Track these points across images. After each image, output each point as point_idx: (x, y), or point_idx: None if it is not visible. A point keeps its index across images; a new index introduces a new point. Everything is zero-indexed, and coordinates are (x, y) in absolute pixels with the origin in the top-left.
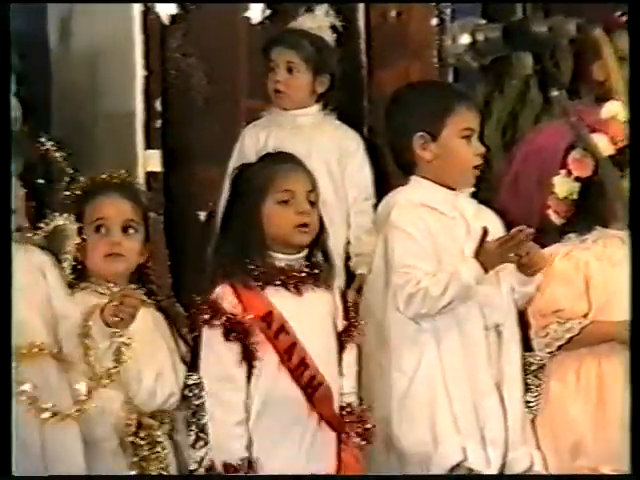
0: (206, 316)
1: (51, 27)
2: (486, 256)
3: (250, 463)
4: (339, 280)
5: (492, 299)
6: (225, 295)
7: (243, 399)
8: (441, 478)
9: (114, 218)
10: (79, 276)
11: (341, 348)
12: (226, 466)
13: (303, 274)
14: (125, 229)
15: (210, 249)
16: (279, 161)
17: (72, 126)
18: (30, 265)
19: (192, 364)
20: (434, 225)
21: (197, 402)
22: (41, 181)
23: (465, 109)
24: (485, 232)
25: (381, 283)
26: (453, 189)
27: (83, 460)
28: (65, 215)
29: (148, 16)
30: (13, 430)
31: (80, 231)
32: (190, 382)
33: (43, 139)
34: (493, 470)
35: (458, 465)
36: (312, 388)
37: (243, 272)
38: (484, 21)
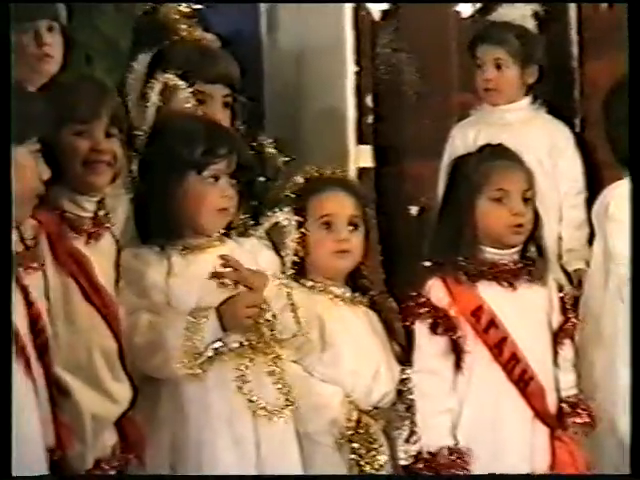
0: (415, 309)
1: (263, 27)
2: None
3: (457, 451)
4: (555, 275)
5: None
6: (435, 289)
7: (447, 390)
8: (441, 478)
9: (340, 214)
10: (298, 272)
11: (557, 343)
12: (433, 455)
13: (517, 269)
14: (350, 225)
15: (425, 242)
16: (496, 157)
17: (284, 123)
18: (246, 257)
19: (405, 359)
20: None
21: (411, 397)
22: (260, 178)
23: None
24: None
25: (601, 277)
26: None
27: (298, 455)
28: (285, 210)
29: (359, 12)
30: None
31: (300, 226)
32: (404, 377)
33: (262, 137)
34: None
35: None
36: (524, 382)
37: (455, 266)
38: None
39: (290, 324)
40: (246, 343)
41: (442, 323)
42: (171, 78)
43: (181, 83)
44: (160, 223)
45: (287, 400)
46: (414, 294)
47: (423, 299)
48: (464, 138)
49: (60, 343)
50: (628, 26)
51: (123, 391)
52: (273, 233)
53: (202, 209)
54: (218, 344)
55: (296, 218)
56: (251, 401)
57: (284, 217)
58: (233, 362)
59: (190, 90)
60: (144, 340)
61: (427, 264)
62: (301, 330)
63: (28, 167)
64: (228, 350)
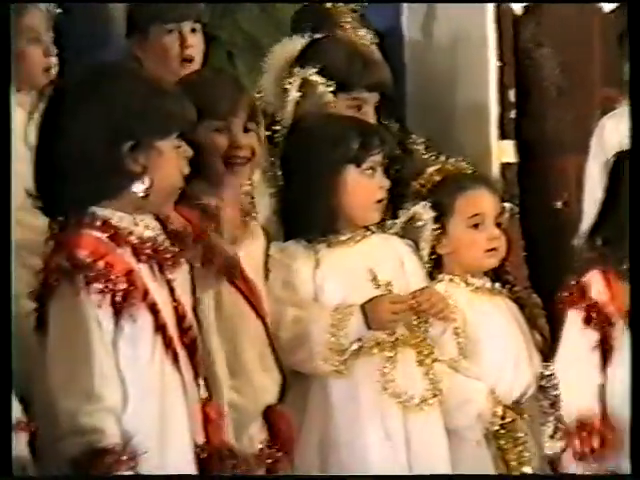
0: (571, 298)
1: (408, 20)
2: None
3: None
4: None
5: None
6: (595, 281)
7: (597, 383)
8: (444, 478)
9: (489, 212)
10: (436, 266)
11: None
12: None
13: None
14: (496, 223)
15: (581, 236)
16: None
17: (426, 119)
18: (392, 254)
19: (549, 355)
20: None
21: (555, 393)
22: (400, 172)
23: None
24: None
25: None
26: None
27: (447, 449)
28: (422, 204)
29: (501, 7)
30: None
31: (437, 221)
32: (547, 373)
33: (413, 134)
34: None
35: None
36: None
37: (615, 260)
38: None
39: (451, 348)
40: (392, 339)
41: (597, 316)
42: (310, 74)
43: (321, 80)
44: (311, 218)
45: (435, 390)
46: (573, 282)
47: (581, 289)
48: (615, 130)
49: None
50: (628, 26)
51: (271, 382)
52: (410, 227)
53: (361, 201)
54: (362, 341)
55: (432, 213)
56: (398, 394)
57: (421, 211)
58: (381, 355)
59: (331, 89)
60: (289, 334)
61: (587, 256)
62: (461, 357)
63: (171, 161)
64: (375, 344)
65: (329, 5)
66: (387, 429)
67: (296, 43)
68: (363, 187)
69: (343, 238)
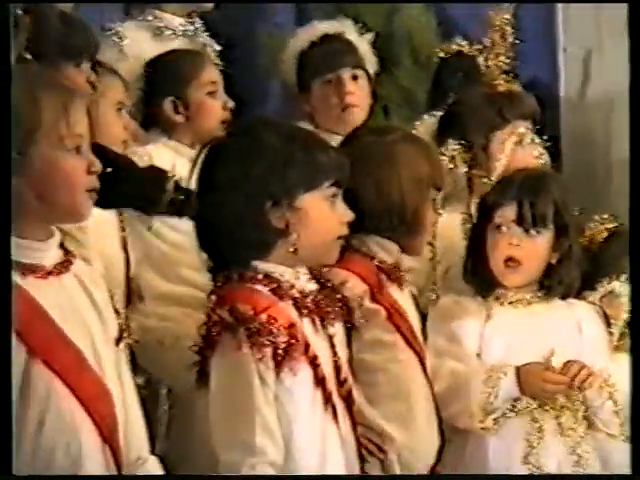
0: None
1: (564, 77)
2: None
3: None
4: None
5: None
6: None
7: None
8: (439, 478)
9: None
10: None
11: None
12: None
13: None
14: None
15: None
16: None
17: (584, 171)
18: (570, 319)
19: None
20: None
21: None
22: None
23: None
24: None
25: None
26: None
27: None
28: (621, 280)
29: None
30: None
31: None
32: None
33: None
34: None
35: None
36: None
37: None
38: None
39: (613, 423)
40: (545, 406)
41: None
42: (528, 133)
43: (538, 138)
44: (481, 273)
45: (582, 460)
46: None
47: None
48: None
49: (379, 393)
50: (628, 26)
51: (435, 441)
52: (607, 299)
53: (491, 256)
54: (516, 402)
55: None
56: (539, 466)
57: (619, 287)
58: (531, 421)
59: (538, 141)
60: (444, 387)
61: None
62: (623, 432)
63: (321, 213)
64: (526, 408)
65: (477, 56)
66: None
67: (433, 119)
68: (493, 243)
69: (519, 297)
